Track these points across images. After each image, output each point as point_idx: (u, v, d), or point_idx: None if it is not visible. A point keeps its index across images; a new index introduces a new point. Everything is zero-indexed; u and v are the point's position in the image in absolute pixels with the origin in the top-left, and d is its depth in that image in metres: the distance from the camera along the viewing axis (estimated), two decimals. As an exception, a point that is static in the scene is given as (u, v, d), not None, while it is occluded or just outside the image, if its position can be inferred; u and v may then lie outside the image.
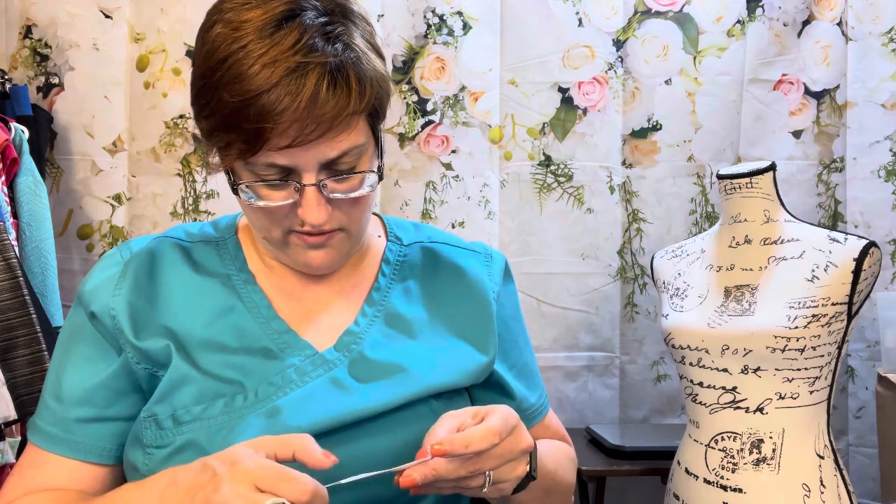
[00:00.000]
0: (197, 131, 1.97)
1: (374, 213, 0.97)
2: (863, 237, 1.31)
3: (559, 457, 0.92)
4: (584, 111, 1.95)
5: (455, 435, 0.69)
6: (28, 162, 1.64)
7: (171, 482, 0.69)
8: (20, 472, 0.82)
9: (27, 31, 1.86)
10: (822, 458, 1.29)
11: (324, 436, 0.77)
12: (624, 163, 1.98)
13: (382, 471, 0.70)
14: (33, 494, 0.79)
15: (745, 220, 1.40)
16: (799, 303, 1.28)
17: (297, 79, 0.70)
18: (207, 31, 0.75)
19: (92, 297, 0.82)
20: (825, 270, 1.29)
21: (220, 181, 1.89)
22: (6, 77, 1.74)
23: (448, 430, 0.71)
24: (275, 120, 0.70)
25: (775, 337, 1.27)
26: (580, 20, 1.94)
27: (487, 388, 0.90)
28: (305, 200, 0.76)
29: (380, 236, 0.94)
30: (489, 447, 0.70)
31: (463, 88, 1.93)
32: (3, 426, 1.44)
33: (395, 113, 1.93)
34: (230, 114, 0.72)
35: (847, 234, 1.33)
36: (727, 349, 1.32)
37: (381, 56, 0.79)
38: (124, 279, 0.83)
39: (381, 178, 0.81)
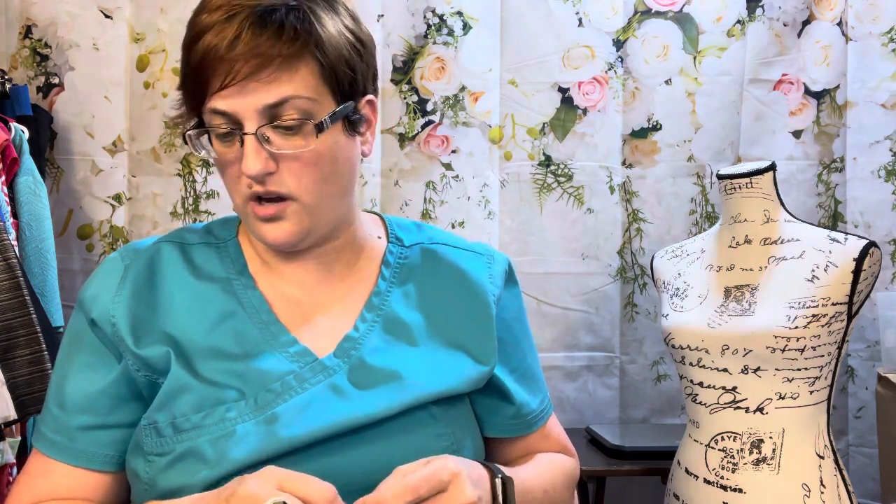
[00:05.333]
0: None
1: (375, 213, 0.96)
2: (863, 237, 1.31)
3: (554, 478, 0.91)
4: (584, 111, 1.95)
5: (368, 496, 0.69)
6: (28, 162, 1.64)
7: (199, 497, 0.72)
8: (27, 481, 0.81)
9: (27, 31, 1.86)
10: (822, 458, 1.29)
11: (323, 443, 0.76)
12: (624, 163, 1.98)
13: None
14: None
15: (745, 220, 1.40)
16: (799, 303, 1.28)
17: (228, 20, 0.74)
18: None
19: (92, 304, 0.82)
20: (825, 270, 1.29)
21: (220, 181, 1.88)
22: (6, 77, 1.74)
23: (391, 490, 0.69)
24: (208, 57, 0.74)
25: (775, 337, 1.27)
26: (580, 20, 1.94)
27: (487, 394, 0.88)
28: (244, 151, 0.76)
29: (380, 237, 0.92)
30: None
31: (463, 88, 1.93)
32: (3, 426, 1.44)
33: (396, 113, 1.93)
34: (183, 63, 0.77)
35: (847, 234, 1.33)
36: (727, 349, 1.32)
37: (349, 28, 0.79)
38: (124, 285, 0.82)
39: (320, 129, 0.77)
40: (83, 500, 0.80)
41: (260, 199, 0.78)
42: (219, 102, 0.75)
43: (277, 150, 0.76)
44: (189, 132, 0.78)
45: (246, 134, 0.75)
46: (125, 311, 0.80)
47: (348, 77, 0.78)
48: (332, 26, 0.77)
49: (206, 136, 0.78)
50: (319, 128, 0.76)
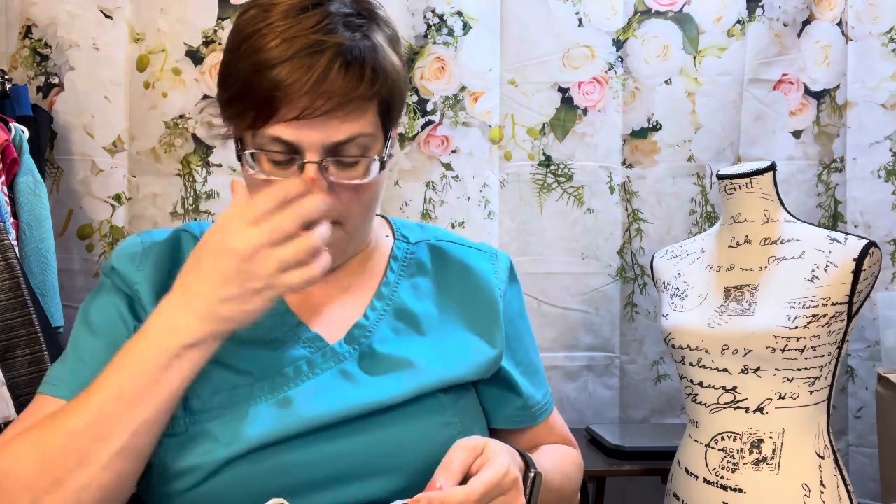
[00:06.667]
0: (197, 131, 1.97)
1: (381, 215, 0.98)
2: (863, 237, 1.31)
3: (567, 469, 0.94)
4: (584, 111, 1.95)
5: (435, 495, 0.69)
6: (28, 162, 1.64)
7: (180, 302, 0.71)
8: (15, 423, 0.79)
9: (27, 31, 1.86)
10: (822, 458, 1.29)
11: (334, 426, 0.78)
12: (624, 163, 1.98)
13: None
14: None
15: (745, 220, 1.40)
16: (799, 303, 1.28)
17: (313, 54, 0.73)
18: (241, 14, 0.79)
19: (118, 266, 0.84)
20: (825, 270, 1.29)
21: (220, 181, 1.89)
22: (6, 77, 1.74)
23: (462, 466, 0.71)
24: (286, 90, 0.73)
25: (775, 337, 1.27)
26: (580, 20, 1.94)
27: (495, 385, 0.91)
28: (305, 179, 0.76)
29: (387, 236, 0.95)
30: None
31: (463, 88, 1.93)
32: (3, 426, 1.44)
33: (395, 113, 1.93)
34: (246, 82, 0.75)
35: (847, 234, 1.33)
36: (727, 349, 1.32)
37: (400, 59, 0.81)
38: (146, 261, 0.84)
39: (383, 166, 0.81)
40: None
41: None
42: (284, 132, 0.75)
43: (336, 179, 0.78)
44: (246, 153, 0.78)
45: (309, 163, 0.76)
46: (148, 285, 0.82)
47: (399, 110, 0.82)
48: (393, 62, 0.79)
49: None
50: (382, 165, 0.80)
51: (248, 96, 0.75)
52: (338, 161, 0.77)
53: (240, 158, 0.80)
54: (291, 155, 0.77)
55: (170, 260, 0.85)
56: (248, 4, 0.80)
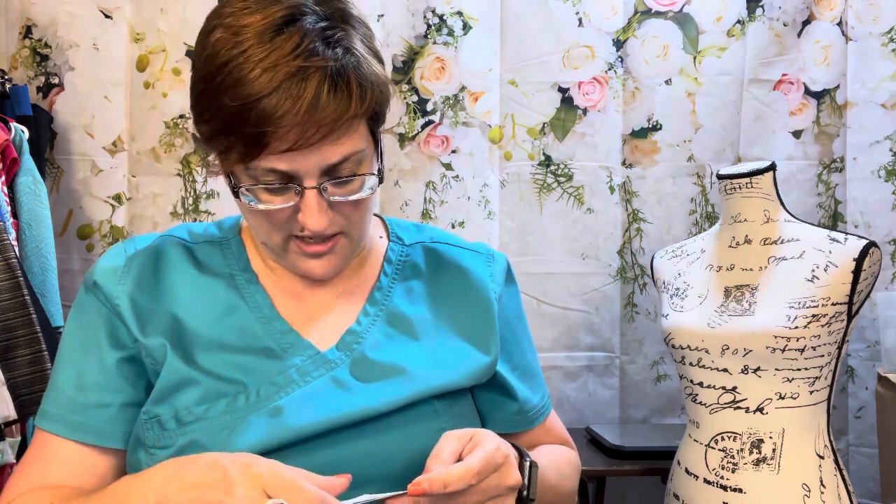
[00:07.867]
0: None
1: (376, 215, 0.97)
2: (863, 237, 1.31)
3: (563, 467, 0.93)
4: (584, 111, 1.95)
5: (434, 474, 0.69)
6: (28, 162, 1.64)
7: (173, 475, 0.69)
8: (23, 470, 0.81)
9: (27, 31, 1.86)
10: (822, 458, 1.29)
11: (326, 435, 0.77)
12: (624, 163, 1.98)
13: (369, 496, 0.71)
14: (33, 493, 0.78)
15: (745, 220, 1.40)
16: (799, 303, 1.28)
17: (299, 83, 0.70)
18: (207, 35, 0.75)
19: (99, 281, 0.83)
20: (825, 270, 1.29)
21: (220, 181, 1.88)
22: (6, 77, 1.74)
23: (452, 455, 0.72)
24: (276, 123, 0.70)
25: (775, 337, 1.27)
26: (580, 20, 1.94)
27: (490, 390, 0.89)
28: (306, 205, 0.76)
29: (381, 237, 0.94)
30: (466, 487, 0.69)
31: (463, 88, 1.93)
32: (3, 426, 1.44)
33: (395, 113, 1.93)
34: (231, 118, 0.72)
35: (847, 234, 1.33)
36: (727, 349, 1.32)
37: (380, 60, 0.79)
38: (128, 273, 0.83)
39: (381, 180, 0.81)
40: (77, 488, 0.79)
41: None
42: (278, 163, 0.73)
43: (335, 198, 0.77)
44: (242, 188, 0.76)
45: (307, 188, 0.75)
46: (128, 300, 0.81)
47: (384, 117, 0.80)
48: (376, 69, 0.77)
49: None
50: (381, 179, 0.80)
51: (234, 132, 0.72)
52: (335, 180, 0.76)
53: (236, 194, 0.78)
54: (287, 182, 0.75)
55: (153, 267, 0.84)
56: (211, 23, 0.75)
